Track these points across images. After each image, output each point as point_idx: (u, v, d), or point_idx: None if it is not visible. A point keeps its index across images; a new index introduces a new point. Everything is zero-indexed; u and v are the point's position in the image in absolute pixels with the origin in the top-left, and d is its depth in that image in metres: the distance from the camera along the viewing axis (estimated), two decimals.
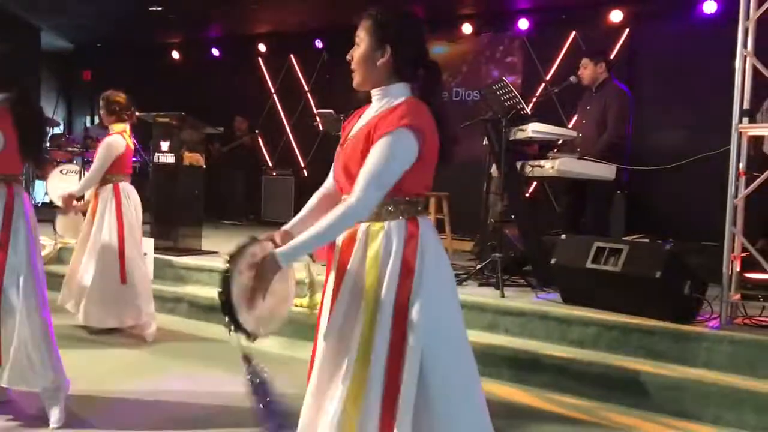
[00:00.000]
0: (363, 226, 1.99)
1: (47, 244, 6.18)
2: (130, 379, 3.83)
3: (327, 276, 2.09)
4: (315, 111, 8.64)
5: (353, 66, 2.08)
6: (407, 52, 2.04)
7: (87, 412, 3.31)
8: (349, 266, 1.98)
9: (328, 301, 2.04)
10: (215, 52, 11.17)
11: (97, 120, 11.59)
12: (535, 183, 7.52)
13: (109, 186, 4.82)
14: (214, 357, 4.30)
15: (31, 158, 3.37)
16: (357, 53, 2.06)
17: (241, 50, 10.81)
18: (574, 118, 5.60)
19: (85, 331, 4.75)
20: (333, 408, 1.90)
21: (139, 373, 3.96)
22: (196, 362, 4.22)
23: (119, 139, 4.85)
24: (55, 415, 3.13)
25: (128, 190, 4.89)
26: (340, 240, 2.02)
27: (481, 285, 4.97)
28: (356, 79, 2.09)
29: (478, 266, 5.15)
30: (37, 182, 10.34)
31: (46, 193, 9.27)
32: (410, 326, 1.90)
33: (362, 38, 2.05)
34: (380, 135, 1.94)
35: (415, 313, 1.91)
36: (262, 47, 10.68)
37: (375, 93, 2.08)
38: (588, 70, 5.37)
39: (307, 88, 10.38)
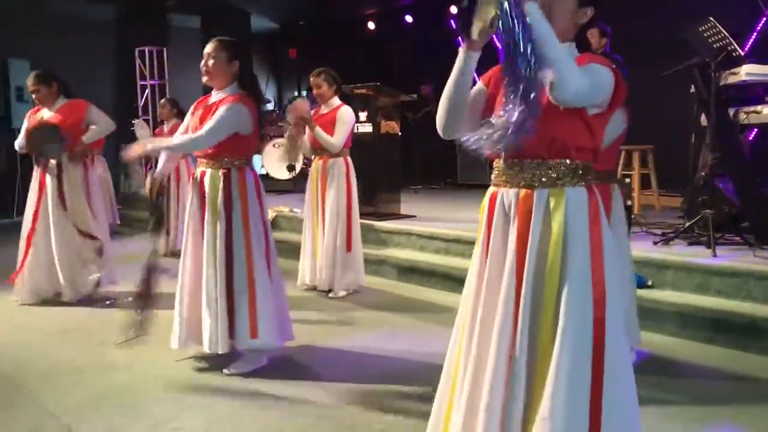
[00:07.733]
0: (543, 194, 1.91)
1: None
2: (341, 335, 4.11)
3: (488, 237, 2.00)
4: None
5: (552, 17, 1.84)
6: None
7: (303, 359, 3.64)
8: (531, 236, 1.89)
9: (502, 263, 1.95)
10: (408, 18, 11.38)
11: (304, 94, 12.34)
12: (755, 130, 6.82)
13: (341, 159, 4.98)
14: (415, 316, 4.51)
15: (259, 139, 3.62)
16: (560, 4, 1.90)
17: (433, 14, 10.90)
18: None
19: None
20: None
21: (350, 330, 4.24)
22: (399, 320, 4.44)
23: (351, 111, 5.03)
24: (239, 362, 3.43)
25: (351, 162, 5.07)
26: (512, 203, 1.96)
27: (690, 244, 4.65)
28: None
29: (687, 224, 4.83)
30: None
31: (262, 166, 10.12)
32: (607, 300, 1.86)
33: None
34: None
35: (607, 285, 1.87)
36: (453, 9, 10.66)
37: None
38: None
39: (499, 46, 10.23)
